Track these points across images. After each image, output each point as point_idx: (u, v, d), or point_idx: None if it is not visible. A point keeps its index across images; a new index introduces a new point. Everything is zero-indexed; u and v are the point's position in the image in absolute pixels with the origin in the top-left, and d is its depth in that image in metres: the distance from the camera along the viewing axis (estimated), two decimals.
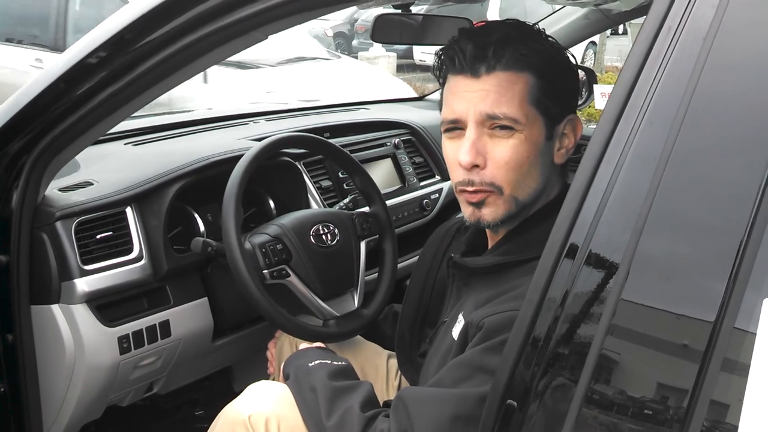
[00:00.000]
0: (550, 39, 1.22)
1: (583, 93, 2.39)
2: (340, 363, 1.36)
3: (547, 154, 1.20)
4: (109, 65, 1.27)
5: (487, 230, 1.27)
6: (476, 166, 1.17)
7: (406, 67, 13.78)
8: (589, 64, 11.72)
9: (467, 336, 1.15)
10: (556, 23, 2.47)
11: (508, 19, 1.24)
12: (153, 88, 1.30)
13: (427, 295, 1.49)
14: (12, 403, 1.52)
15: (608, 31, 11.00)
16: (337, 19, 15.24)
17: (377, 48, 13.35)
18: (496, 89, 1.15)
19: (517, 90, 1.15)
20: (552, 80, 1.17)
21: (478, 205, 1.19)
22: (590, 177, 0.80)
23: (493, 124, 1.15)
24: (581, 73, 2.37)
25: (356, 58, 13.77)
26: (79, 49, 1.29)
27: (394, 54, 13.22)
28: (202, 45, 1.22)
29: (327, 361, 1.35)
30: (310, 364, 1.34)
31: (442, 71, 1.23)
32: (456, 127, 1.19)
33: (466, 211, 1.22)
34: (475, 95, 1.16)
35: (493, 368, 1.03)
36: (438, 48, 1.25)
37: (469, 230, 1.36)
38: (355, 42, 15.02)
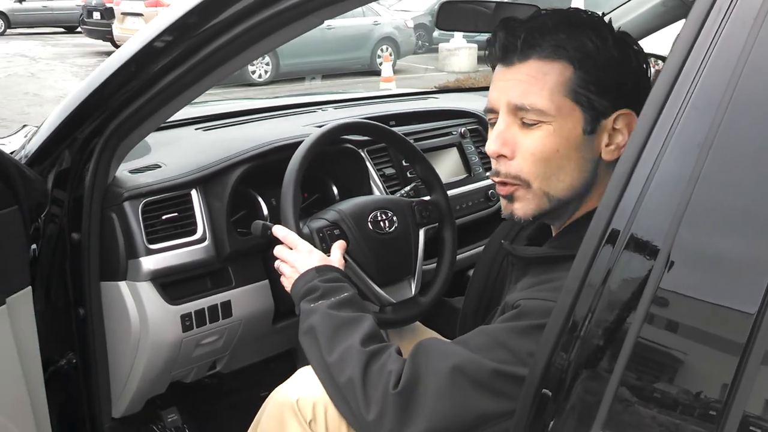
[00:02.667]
0: (609, 31, 1.15)
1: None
2: (341, 296, 1.32)
3: (588, 149, 1.14)
4: (174, 49, 1.31)
5: (551, 225, 1.25)
6: (503, 156, 1.16)
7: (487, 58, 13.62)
8: None
9: (503, 313, 1.15)
10: (632, 11, 2.39)
11: (559, 9, 1.19)
12: (214, 73, 1.34)
13: (492, 280, 1.48)
14: (83, 373, 1.60)
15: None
16: (418, 9, 15.22)
17: (458, 39, 13.26)
18: (526, 79, 1.14)
19: (549, 80, 1.12)
20: (595, 72, 1.12)
21: (509, 198, 1.19)
22: (633, 163, 0.78)
23: (522, 114, 1.14)
24: (658, 62, 2.28)
25: (436, 49, 13.73)
26: (146, 34, 1.34)
27: (475, 45, 13.10)
28: (261, 29, 1.25)
29: (330, 299, 1.32)
30: (312, 305, 1.32)
31: (489, 60, 1.23)
32: (493, 116, 1.19)
33: (502, 204, 1.22)
34: (506, 84, 1.16)
35: (513, 348, 1.05)
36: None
37: (534, 224, 1.32)
38: (435, 33, 14.93)
